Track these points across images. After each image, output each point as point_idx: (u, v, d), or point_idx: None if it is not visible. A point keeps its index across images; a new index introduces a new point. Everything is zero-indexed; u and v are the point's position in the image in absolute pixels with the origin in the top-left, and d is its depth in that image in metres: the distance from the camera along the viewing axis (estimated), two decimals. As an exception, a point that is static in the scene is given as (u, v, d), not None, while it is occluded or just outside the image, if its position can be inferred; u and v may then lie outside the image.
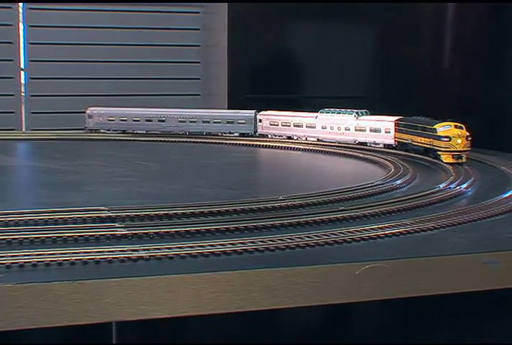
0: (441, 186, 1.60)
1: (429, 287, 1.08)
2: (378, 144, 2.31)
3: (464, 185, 1.61)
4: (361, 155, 2.20)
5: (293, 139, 2.56)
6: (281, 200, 1.41)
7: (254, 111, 2.67)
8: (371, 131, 2.34)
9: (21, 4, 3.12)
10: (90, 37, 3.20)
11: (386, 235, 1.19)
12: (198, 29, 3.35)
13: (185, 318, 0.98)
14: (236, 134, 2.67)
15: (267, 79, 3.42)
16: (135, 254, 1.03)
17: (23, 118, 3.19)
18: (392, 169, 1.85)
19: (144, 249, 1.05)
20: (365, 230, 1.20)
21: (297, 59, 3.53)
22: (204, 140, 2.63)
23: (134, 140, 2.67)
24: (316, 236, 1.15)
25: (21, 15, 3.14)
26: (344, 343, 1.18)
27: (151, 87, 3.28)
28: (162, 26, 3.29)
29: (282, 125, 2.60)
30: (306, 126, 2.52)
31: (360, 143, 2.37)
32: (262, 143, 2.55)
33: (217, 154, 2.46)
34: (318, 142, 2.47)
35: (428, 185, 1.64)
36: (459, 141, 1.92)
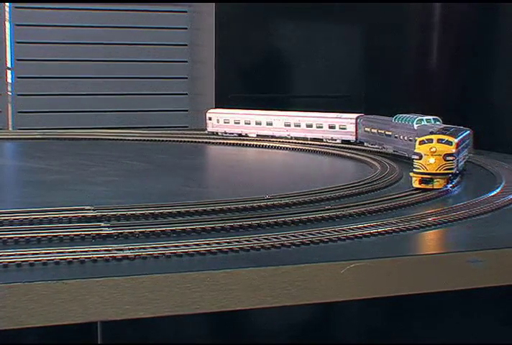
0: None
1: (414, 286, 1.08)
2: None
3: (450, 185, 1.62)
4: (348, 154, 2.21)
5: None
6: (267, 199, 1.41)
7: (357, 115, 2.41)
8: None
9: (7, 3, 3.11)
10: (78, 36, 3.18)
11: (371, 234, 1.19)
12: (185, 28, 3.34)
13: (170, 318, 0.98)
14: (337, 141, 2.42)
15: (255, 78, 3.42)
16: (120, 254, 1.03)
17: (9, 118, 3.18)
18: (379, 169, 1.85)
19: (129, 249, 1.05)
20: (351, 229, 1.20)
21: (284, 58, 3.53)
22: (190, 140, 2.63)
23: (122, 140, 2.67)
24: (301, 235, 1.15)
25: (7, 14, 3.12)
26: (329, 342, 1.18)
27: (138, 86, 3.27)
28: (150, 26, 3.28)
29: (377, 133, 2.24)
30: (386, 135, 2.16)
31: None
32: (248, 142, 2.55)
33: (203, 153, 2.46)
34: (306, 142, 2.47)
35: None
36: (432, 160, 1.53)
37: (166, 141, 2.64)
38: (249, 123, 2.63)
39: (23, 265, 0.98)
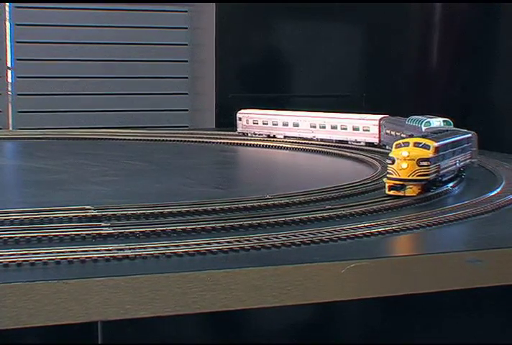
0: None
1: (414, 286, 1.08)
2: None
3: (450, 184, 1.62)
4: (348, 154, 2.21)
5: None
6: (267, 199, 1.41)
7: (381, 116, 2.31)
8: None
9: (7, 3, 3.11)
10: (78, 35, 3.19)
11: (372, 233, 1.20)
12: (185, 28, 3.34)
13: (171, 318, 0.98)
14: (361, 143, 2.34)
15: (255, 78, 3.42)
16: (121, 253, 1.03)
17: (9, 118, 3.18)
18: (379, 168, 1.85)
19: (129, 248, 1.05)
20: (351, 228, 1.20)
21: (284, 57, 3.53)
22: (191, 139, 2.63)
23: (123, 139, 2.67)
24: (302, 234, 1.16)
25: (7, 13, 3.12)
26: (329, 342, 1.18)
27: (138, 86, 3.28)
28: (150, 25, 3.28)
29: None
30: (400, 138, 2.08)
31: None
32: (249, 142, 2.55)
33: (204, 153, 2.46)
34: (305, 141, 2.47)
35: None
36: (404, 165, 1.44)
37: (168, 140, 2.64)
38: (277, 124, 2.57)
39: (23, 265, 0.98)
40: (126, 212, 1.27)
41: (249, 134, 2.64)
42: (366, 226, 1.22)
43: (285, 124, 2.54)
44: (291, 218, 1.27)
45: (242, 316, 1.10)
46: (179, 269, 0.99)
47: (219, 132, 2.75)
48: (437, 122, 1.92)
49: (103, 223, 1.20)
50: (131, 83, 3.27)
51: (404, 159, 1.43)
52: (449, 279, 1.10)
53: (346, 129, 2.38)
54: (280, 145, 2.47)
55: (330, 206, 1.36)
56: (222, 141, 2.60)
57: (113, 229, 1.15)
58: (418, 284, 1.08)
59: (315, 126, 2.46)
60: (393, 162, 1.44)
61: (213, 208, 1.33)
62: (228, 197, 1.42)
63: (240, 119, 2.67)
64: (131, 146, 2.55)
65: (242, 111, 2.69)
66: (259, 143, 2.52)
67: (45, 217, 1.23)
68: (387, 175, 1.46)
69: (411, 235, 1.21)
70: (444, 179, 1.56)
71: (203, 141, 2.61)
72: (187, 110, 3.37)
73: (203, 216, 1.28)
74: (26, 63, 3.18)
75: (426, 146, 1.46)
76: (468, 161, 1.72)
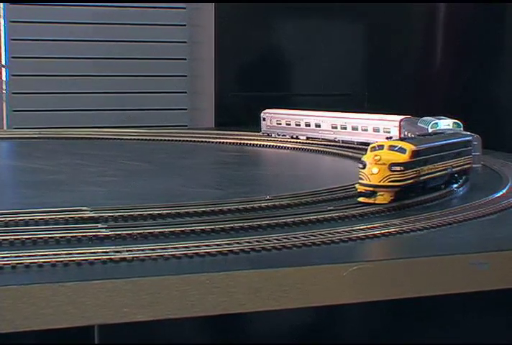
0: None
1: (418, 289, 1.08)
2: None
3: (455, 185, 1.62)
4: (351, 154, 2.21)
5: None
6: (268, 200, 1.41)
7: (401, 117, 2.22)
8: None
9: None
10: (74, 33, 3.18)
11: (375, 235, 1.20)
12: (184, 25, 3.34)
13: (169, 321, 0.98)
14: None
15: (255, 76, 3.42)
16: (118, 256, 1.03)
17: (4, 117, 3.18)
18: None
19: (127, 251, 1.05)
20: (354, 230, 1.21)
21: (285, 55, 3.53)
22: (190, 139, 2.63)
23: (121, 139, 2.67)
24: (303, 236, 1.16)
25: (1, 10, 3.13)
26: (331, 346, 1.19)
27: (136, 84, 3.27)
28: (147, 22, 3.28)
29: None
30: None
31: None
32: (249, 141, 2.55)
33: (204, 153, 2.46)
34: (306, 141, 2.47)
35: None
36: (375, 170, 1.36)
37: (167, 140, 2.64)
38: (299, 125, 2.51)
39: (18, 267, 0.98)
40: (123, 213, 1.27)
41: (272, 135, 2.58)
42: (368, 228, 1.22)
43: (308, 125, 2.48)
44: (292, 219, 1.27)
45: (242, 320, 1.10)
46: (178, 271, 0.99)
47: (222, 131, 2.75)
48: (446, 124, 1.88)
49: (100, 225, 1.20)
50: (129, 82, 3.27)
51: (375, 164, 1.35)
52: (453, 282, 1.10)
53: (366, 130, 2.32)
54: (282, 145, 2.47)
55: (332, 207, 1.36)
56: (221, 140, 2.60)
57: (111, 231, 1.15)
58: (421, 287, 1.08)
59: (336, 127, 2.40)
60: (364, 166, 1.37)
61: (212, 209, 1.33)
62: (228, 198, 1.42)
63: (264, 119, 2.62)
64: (129, 146, 2.55)
65: (267, 110, 2.63)
66: (259, 143, 2.52)
67: (41, 218, 1.23)
68: (359, 181, 1.38)
69: (415, 237, 1.21)
70: (430, 185, 1.49)
71: (202, 141, 2.61)
72: (186, 109, 3.37)
73: (203, 218, 1.28)
74: (21, 61, 3.17)
75: (401, 150, 1.38)
76: (467, 166, 1.64)
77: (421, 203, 1.45)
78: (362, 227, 1.22)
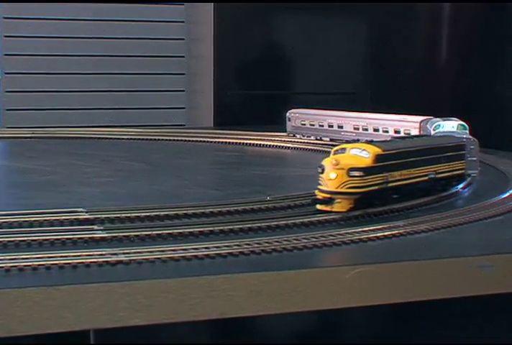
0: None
1: (422, 293, 1.08)
2: None
3: (461, 185, 1.62)
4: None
5: None
6: (268, 200, 1.41)
7: (422, 118, 2.12)
8: None
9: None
10: (69, 30, 3.18)
11: (378, 237, 1.20)
12: (182, 22, 3.34)
13: (167, 325, 0.98)
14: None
15: (255, 74, 3.42)
16: (114, 258, 1.03)
17: (-3, 116, 3.18)
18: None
19: (123, 253, 1.05)
20: (356, 232, 1.21)
21: (286, 53, 3.54)
22: (188, 139, 2.63)
23: (117, 139, 2.67)
24: (304, 238, 1.16)
25: (-5, 7, 3.13)
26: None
27: (133, 82, 3.27)
28: (144, 19, 3.28)
29: None
30: None
31: None
32: (249, 141, 2.55)
33: (202, 153, 2.46)
34: (308, 141, 2.47)
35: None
36: (333, 175, 1.29)
37: (164, 140, 2.64)
38: (323, 126, 2.43)
39: (12, 270, 0.98)
40: (120, 215, 1.27)
41: (297, 136, 2.52)
42: (371, 230, 1.22)
43: (330, 126, 2.41)
44: (293, 221, 1.27)
45: (242, 324, 1.10)
46: (176, 274, 0.99)
47: (221, 131, 2.75)
48: (450, 126, 1.85)
49: (95, 227, 1.20)
50: (126, 80, 3.27)
51: (333, 168, 1.28)
52: (459, 285, 1.10)
53: (387, 131, 2.26)
54: (283, 145, 2.47)
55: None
56: (220, 140, 2.60)
57: (107, 233, 1.16)
58: (426, 291, 1.08)
59: (358, 129, 2.33)
60: (323, 171, 1.30)
61: (211, 210, 1.33)
62: (227, 199, 1.42)
63: (289, 120, 2.57)
64: (126, 146, 2.55)
65: (293, 110, 2.58)
66: (259, 142, 2.52)
67: (35, 220, 1.23)
68: (318, 186, 1.32)
69: (419, 239, 1.21)
70: (405, 193, 1.42)
71: (200, 141, 2.61)
72: (183, 108, 3.37)
73: (201, 219, 1.28)
74: (15, 59, 3.17)
75: (364, 154, 1.31)
76: (458, 172, 1.57)
77: (425, 205, 1.45)
78: (364, 229, 1.22)
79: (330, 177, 1.28)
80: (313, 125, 2.48)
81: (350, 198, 1.30)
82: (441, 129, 1.85)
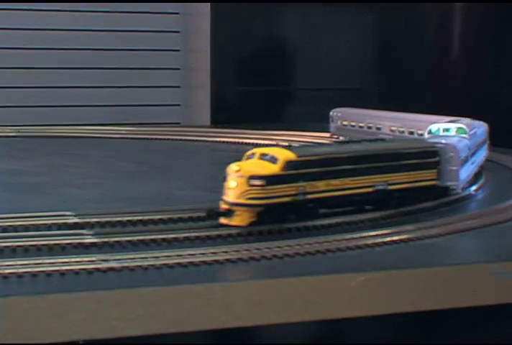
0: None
1: (432, 302, 1.08)
2: None
3: (473, 187, 1.62)
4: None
5: None
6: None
7: (467, 121, 1.86)
8: None
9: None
10: (56, 22, 3.17)
11: (385, 243, 1.20)
12: (177, 14, 3.34)
13: (161, 336, 0.98)
14: None
15: (255, 69, 3.42)
16: (105, 265, 1.03)
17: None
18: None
19: (115, 259, 1.05)
20: (362, 237, 1.21)
21: (287, 46, 3.54)
22: (183, 138, 2.63)
23: (109, 138, 2.67)
24: (307, 244, 1.16)
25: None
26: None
27: (125, 78, 3.27)
28: (138, 10, 3.28)
29: None
30: None
31: None
32: (248, 140, 2.55)
33: (199, 152, 2.46)
34: (311, 139, 2.48)
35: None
36: (233, 184, 1.19)
37: (159, 139, 2.64)
38: (362, 127, 2.33)
39: (-4, 278, 0.99)
40: (111, 219, 1.27)
41: (340, 138, 2.41)
42: (378, 235, 1.22)
43: (369, 127, 2.31)
44: (294, 225, 1.27)
45: (241, 334, 1.10)
46: (170, 282, 0.99)
47: (218, 129, 2.75)
48: (445, 128, 1.76)
49: (85, 232, 1.20)
50: (117, 75, 3.27)
51: (234, 176, 1.19)
52: (471, 293, 1.10)
53: (423, 135, 2.23)
54: (284, 144, 2.46)
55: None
56: (216, 139, 2.60)
57: (97, 238, 1.16)
58: (435, 299, 1.08)
59: (394, 131, 2.21)
60: (224, 179, 1.21)
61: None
62: (224, 202, 1.42)
63: (333, 120, 2.48)
64: (118, 145, 2.55)
65: (337, 109, 2.48)
66: (259, 142, 2.52)
67: (21, 224, 1.23)
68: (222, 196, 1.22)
69: (428, 244, 1.21)
70: (335, 206, 1.34)
71: (195, 140, 2.61)
72: (179, 105, 3.37)
73: (198, 223, 1.28)
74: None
75: (273, 160, 1.21)
76: (426, 183, 1.45)
77: (435, 208, 1.45)
78: (371, 234, 1.22)
79: (230, 186, 1.19)
80: (353, 126, 2.37)
81: (251, 211, 1.20)
82: (433, 133, 1.77)
